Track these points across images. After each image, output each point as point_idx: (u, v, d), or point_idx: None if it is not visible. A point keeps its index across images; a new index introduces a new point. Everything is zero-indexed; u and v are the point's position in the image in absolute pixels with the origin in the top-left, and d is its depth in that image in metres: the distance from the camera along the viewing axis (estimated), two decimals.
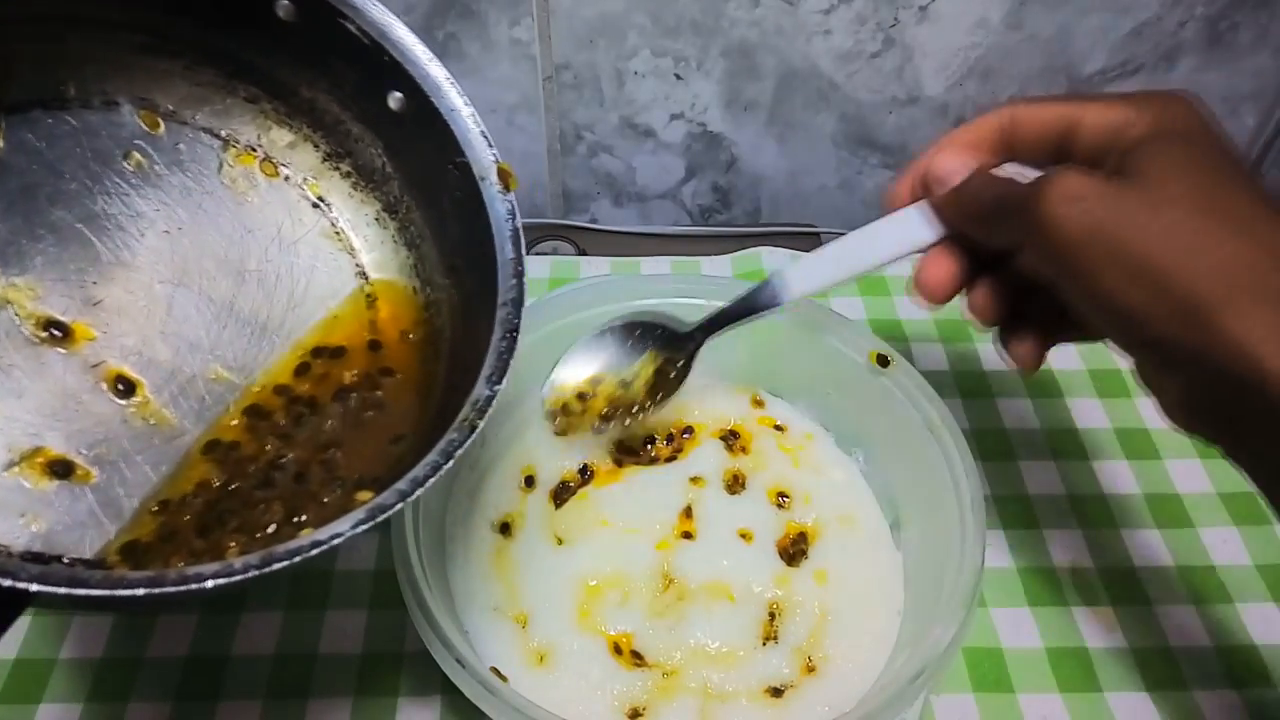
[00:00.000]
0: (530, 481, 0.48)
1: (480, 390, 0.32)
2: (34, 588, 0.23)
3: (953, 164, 0.37)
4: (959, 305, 0.39)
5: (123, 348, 0.34)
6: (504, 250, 0.35)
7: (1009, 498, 0.52)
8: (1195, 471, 0.53)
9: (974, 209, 0.36)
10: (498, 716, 0.34)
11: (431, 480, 0.30)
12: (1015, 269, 0.35)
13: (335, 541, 0.27)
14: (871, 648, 0.42)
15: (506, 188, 0.36)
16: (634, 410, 0.45)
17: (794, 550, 0.45)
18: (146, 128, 0.36)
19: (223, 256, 0.37)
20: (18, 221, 0.33)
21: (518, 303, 0.34)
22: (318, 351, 0.38)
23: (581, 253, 0.73)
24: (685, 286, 0.50)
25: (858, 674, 0.41)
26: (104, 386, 0.33)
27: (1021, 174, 0.36)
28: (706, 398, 0.52)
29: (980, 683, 0.44)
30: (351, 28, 0.35)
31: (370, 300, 0.40)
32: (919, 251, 0.39)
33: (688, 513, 0.46)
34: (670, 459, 0.49)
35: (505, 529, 0.46)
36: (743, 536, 0.45)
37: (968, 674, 0.45)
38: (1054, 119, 0.35)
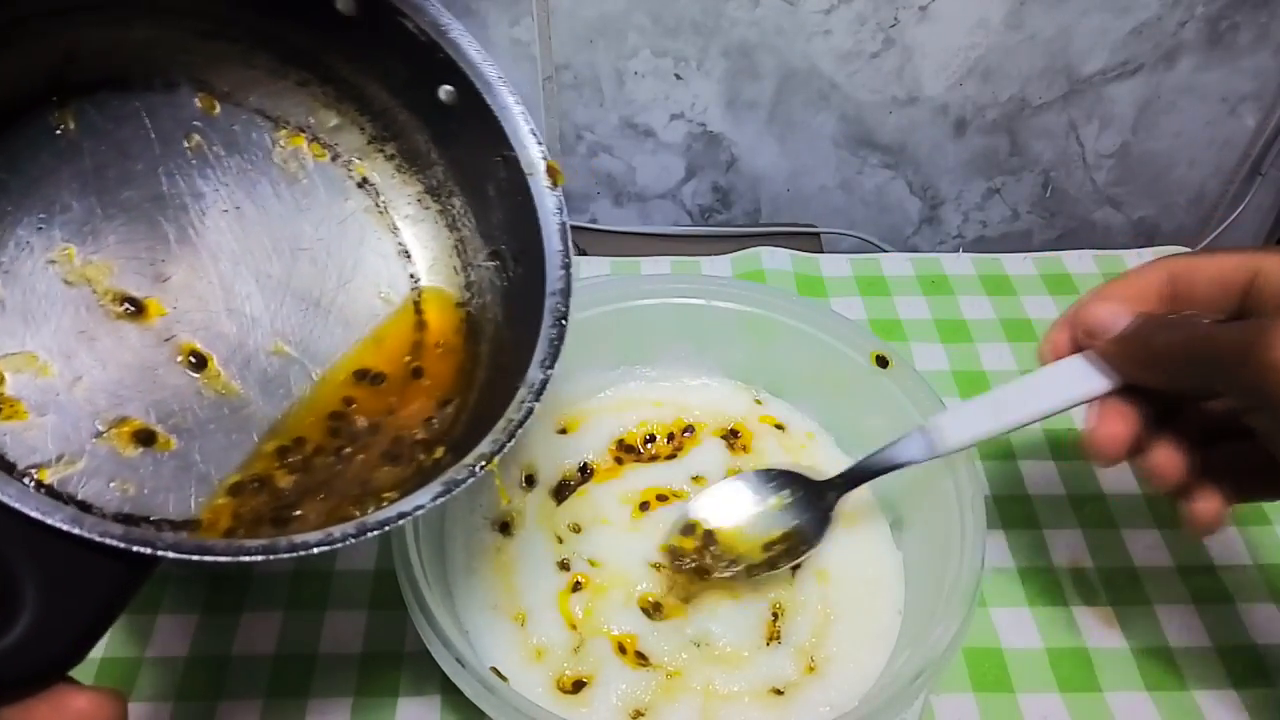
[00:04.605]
0: (530, 480, 0.48)
1: (534, 374, 0.34)
2: (170, 555, 0.26)
3: (1109, 313, 0.36)
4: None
5: (191, 323, 0.36)
6: (551, 242, 0.37)
7: (1009, 498, 0.52)
8: None
9: (1154, 355, 0.34)
10: (498, 716, 0.34)
11: (498, 456, 0.32)
12: (1201, 417, 0.34)
13: (418, 512, 0.30)
14: (872, 648, 0.42)
15: (554, 183, 0.37)
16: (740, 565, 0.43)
17: None
18: (204, 109, 0.37)
19: (277, 235, 0.38)
20: (91, 201, 0.34)
21: (566, 292, 0.36)
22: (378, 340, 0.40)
23: (581, 253, 0.73)
24: (685, 286, 0.50)
25: (858, 674, 0.41)
26: (178, 360, 0.35)
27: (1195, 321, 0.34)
28: (707, 397, 0.52)
29: (980, 683, 0.44)
30: (409, 25, 0.35)
31: (414, 280, 0.41)
32: (1085, 403, 0.37)
33: None
34: (670, 457, 0.49)
35: (505, 528, 0.46)
36: None
37: (968, 674, 0.45)
38: (1232, 270, 0.34)
